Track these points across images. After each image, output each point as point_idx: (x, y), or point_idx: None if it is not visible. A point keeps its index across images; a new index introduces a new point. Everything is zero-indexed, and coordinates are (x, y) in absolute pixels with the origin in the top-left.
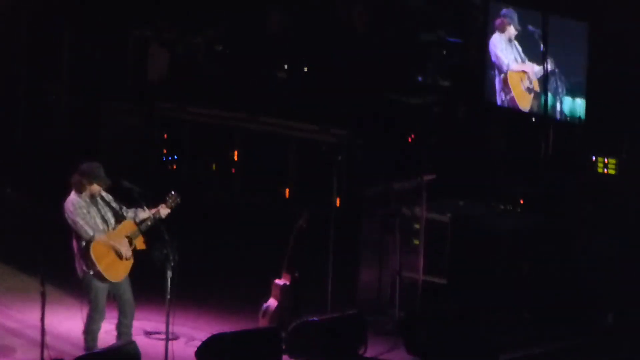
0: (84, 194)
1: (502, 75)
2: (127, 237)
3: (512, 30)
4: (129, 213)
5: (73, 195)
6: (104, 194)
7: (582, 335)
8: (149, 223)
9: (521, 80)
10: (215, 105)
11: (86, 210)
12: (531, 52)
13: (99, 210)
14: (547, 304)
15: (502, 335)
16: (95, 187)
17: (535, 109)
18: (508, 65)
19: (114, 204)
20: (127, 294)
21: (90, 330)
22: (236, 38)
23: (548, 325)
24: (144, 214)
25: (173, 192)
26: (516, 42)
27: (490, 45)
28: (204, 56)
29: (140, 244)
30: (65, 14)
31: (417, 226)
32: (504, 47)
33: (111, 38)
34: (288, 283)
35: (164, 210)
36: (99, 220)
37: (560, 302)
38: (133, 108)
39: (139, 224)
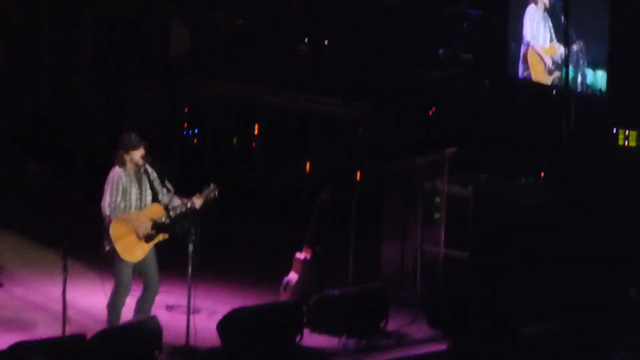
0: (127, 167)
1: (525, 49)
2: (153, 220)
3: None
4: (165, 197)
5: (116, 167)
6: (150, 172)
7: (605, 310)
8: (180, 211)
9: (542, 60)
10: (236, 80)
11: (125, 184)
12: (559, 29)
13: (140, 187)
14: (569, 279)
15: (523, 309)
16: (135, 156)
17: (556, 82)
18: (532, 41)
19: (156, 185)
20: (152, 271)
21: (114, 305)
22: (257, 13)
23: (570, 300)
24: (178, 201)
25: (212, 184)
26: (549, 19)
27: (525, 15)
28: (225, 31)
29: (164, 234)
30: None
31: (438, 200)
32: (536, 21)
33: (133, 15)
34: (309, 257)
35: (198, 201)
36: (134, 197)
37: (583, 277)
38: (155, 84)
39: (169, 210)
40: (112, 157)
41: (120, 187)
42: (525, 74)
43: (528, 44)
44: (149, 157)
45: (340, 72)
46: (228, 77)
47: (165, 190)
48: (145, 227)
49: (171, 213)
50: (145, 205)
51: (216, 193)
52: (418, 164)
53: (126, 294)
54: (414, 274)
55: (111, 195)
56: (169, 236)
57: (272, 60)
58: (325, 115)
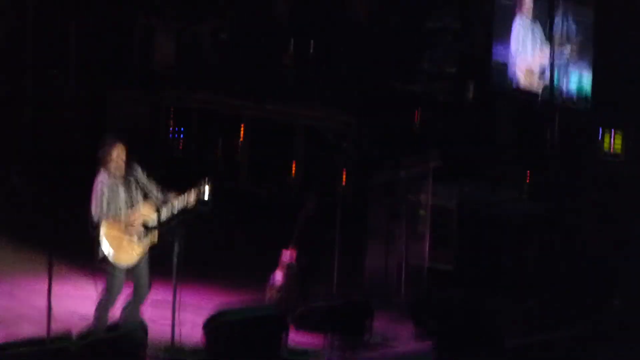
0: (111, 170)
1: (514, 61)
2: (144, 222)
3: (528, 4)
4: (158, 194)
5: (100, 174)
6: (139, 172)
7: (589, 321)
8: (173, 208)
9: (532, 70)
10: (221, 93)
11: (111, 189)
12: (546, 36)
13: (128, 189)
14: (553, 291)
15: (508, 322)
16: (114, 157)
17: (541, 88)
18: (520, 52)
19: (146, 184)
20: (144, 279)
21: (103, 307)
22: (241, 26)
23: (554, 312)
24: (171, 197)
25: (206, 179)
26: (538, 25)
27: (512, 29)
28: (209, 43)
29: (156, 235)
30: (72, 3)
31: (422, 212)
32: (523, 33)
33: (117, 27)
34: (294, 261)
35: (190, 197)
36: (122, 200)
37: (567, 288)
38: (139, 95)
39: (159, 209)
40: (95, 165)
41: (106, 192)
42: (518, 83)
43: (515, 56)
44: (132, 156)
45: (324, 84)
46: (212, 89)
47: (155, 190)
48: (137, 230)
49: (163, 213)
50: (135, 206)
51: (209, 188)
52: (402, 176)
53: (116, 296)
54: (398, 286)
55: (97, 201)
56: (155, 246)
57: (256, 72)
58: (309, 126)
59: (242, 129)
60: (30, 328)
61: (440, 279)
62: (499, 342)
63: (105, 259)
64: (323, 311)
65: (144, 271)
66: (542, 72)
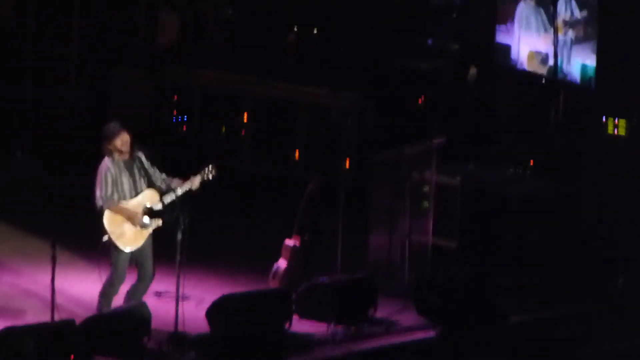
0: (115, 157)
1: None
2: (147, 207)
3: None
4: (161, 180)
5: (105, 159)
6: (143, 159)
7: (592, 299)
8: (177, 194)
9: (534, 57)
10: (225, 70)
11: (114, 175)
12: (550, 19)
13: (132, 175)
14: (557, 268)
15: (511, 299)
16: (118, 144)
17: (545, 72)
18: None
19: (150, 170)
20: (148, 262)
21: (107, 293)
22: (245, 3)
23: (558, 290)
24: (176, 182)
25: (211, 165)
26: (542, 10)
27: (515, 14)
28: (214, 21)
29: (160, 220)
30: None
31: (426, 190)
32: (526, 17)
33: (121, 4)
34: (298, 245)
35: (195, 181)
36: (126, 187)
37: (571, 266)
38: (143, 73)
39: (163, 194)
40: (99, 146)
41: (110, 179)
42: (522, 65)
43: (519, 39)
44: (135, 145)
45: (328, 61)
46: (216, 66)
47: (159, 174)
48: (140, 214)
49: (167, 197)
50: (139, 193)
51: (214, 173)
52: (406, 154)
53: (120, 283)
54: (402, 263)
55: (100, 188)
56: (159, 226)
57: (260, 50)
58: (313, 104)
59: (245, 108)
60: (34, 314)
61: (444, 255)
62: (502, 319)
63: (109, 244)
64: (326, 287)
65: (148, 256)
66: (546, 57)
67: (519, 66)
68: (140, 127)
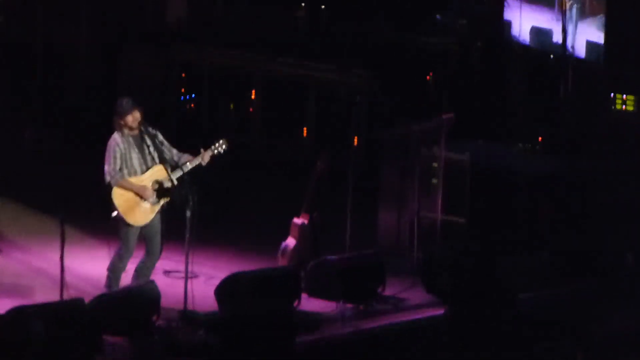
0: (125, 132)
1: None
2: (157, 181)
3: None
4: (172, 155)
5: (114, 134)
6: (156, 136)
7: (601, 275)
8: (186, 168)
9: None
10: (233, 47)
11: (123, 150)
12: None
13: (141, 151)
14: (566, 245)
15: (520, 275)
16: (129, 121)
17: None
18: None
19: (162, 146)
20: (156, 237)
21: (115, 268)
22: None
23: (567, 266)
24: (187, 157)
25: (222, 140)
26: None
27: None
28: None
29: (170, 195)
30: None
31: (435, 166)
32: None
33: None
34: (306, 222)
35: (206, 155)
36: (136, 162)
37: (580, 243)
38: (152, 50)
39: (174, 169)
40: (109, 122)
41: (119, 154)
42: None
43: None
44: (145, 123)
45: (337, 39)
46: (225, 44)
47: (171, 149)
48: (149, 190)
49: (177, 172)
50: (149, 168)
51: (225, 147)
52: (415, 130)
53: (128, 257)
54: (411, 241)
55: (109, 163)
56: (168, 202)
57: (269, 27)
58: (322, 82)
59: (254, 87)
60: (43, 293)
61: (454, 233)
62: (511, 296)
63: (118, 219)
64: (334, 265)
65: (157, 231)
66: (549, 32)
67: (523, 41)
68: (148, 104)
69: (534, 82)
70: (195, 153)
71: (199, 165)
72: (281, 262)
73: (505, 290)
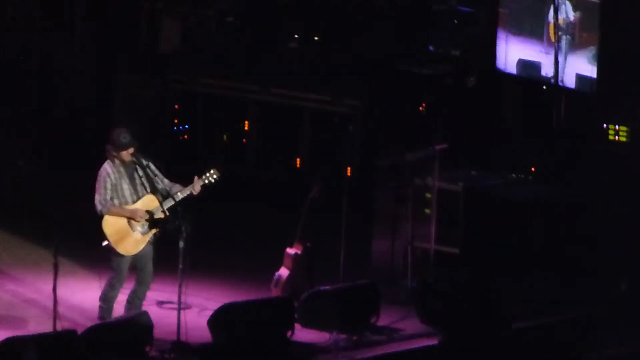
0: (117, 162)
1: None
2: (148, 211)
3: None
4: (163, 185)
5: (105, 164)
6: (148, 166)
7: (596, 304)
8: (177, 198)
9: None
10: (227, 77)
11: (114, 180)
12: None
13: (133, 181)
14: (560, 273)
15: (515, 305)
16: (124, 155)
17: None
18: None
19: (153, 176)
20: (148, 266)
21: (108, 298)
22: (247, 9)
23: (561, 294)
24: (178, 187)
25: (213, 169)
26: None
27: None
28: (216, 28)
29: (161, 225)
30: None
31: (429, 196)
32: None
33: (123, 10)
34: (300, 252)
35: (197, 185)
36: (127, 192)
37: (574, 271)
38: (146, 79)
39: (165, 199)
40: (102, 151)
41: (109, 184)
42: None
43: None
44: (137, 153)
45: (330, 67)
46: (218, 74)
47: (162, 179)
48: (140, 220)
49: (168, 202)
50: (140, 198)
51: (216, 176)
52: (408, 159)
53: (120, 286)
54: (405, 270)
55: (100, 192)
56: (161, 232)
57: (263, 56)
58: (315, 110)
59: (248, 113)
60: (36, 324)
61: (447, 262)
62: (506, 326)
63: (108, 248)
64: (329, 295)
65: (149, 261)
66: (538, 65)
67: (516, 71)
68: (142, 133)
69: (526, 112)
70: (188, 183)
71: (191, 195)
72: (274, 292)
73: (500, 318)
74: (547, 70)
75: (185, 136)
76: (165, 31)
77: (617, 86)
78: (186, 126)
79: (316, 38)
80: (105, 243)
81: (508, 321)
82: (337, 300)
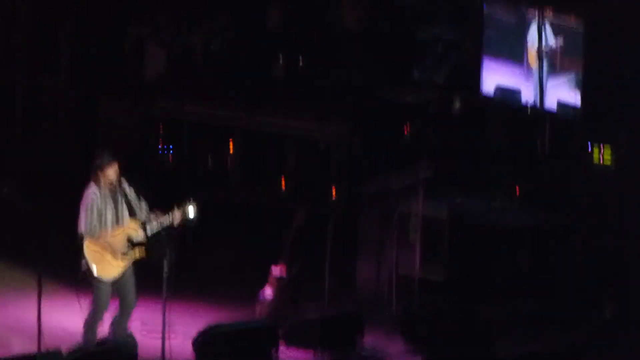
0: (102, 185)
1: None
2: (129, 238)
3: None
4: (142, 213)
5: (91, 188)
6: (128, 189)
7: (580, 331)
8: (157, 227)
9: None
10: (212, 104)
11: (100, 204)
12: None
13: (115, 205)
14: (545, 300)
15: (499, 332)
16: (109, 175)
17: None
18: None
19: (134, 202)
20: (131, 294)
21: (91, 324)
22: (232, 37)
23: (546, 321)
24: (157, 217)
25: (190, 201)
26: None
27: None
28: (201, 54)
29: (140, 251)
30: (63, 12)
31: (414, 222)
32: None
33: (108, 37)
34: (284, 275)
35: (176, 215)
36: (110, 216)
37: (559, 297)
38: (130, 106)
39: (145, 225)
40: (86, 175)
41: (95, 208)
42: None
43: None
44: (123, 176)
45: (315, 94)
46: (203, 99)
47: (142, 205)
48: (121, 245)
49: (148, 229)
50: (122, 223)
51: (194, 211)
52: (393, 186)
53: (103, 312)
54: (389, 295)
55: (86, 216)
56: (145, 255)
57: (247, 83)
58: (300, 136)
59: (232, 140)
60: (20, 345)
61: (432, 289)
62: (491, 353)
63: (88, 272)
64: (314, 324)
65: (130, 285)
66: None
67: (498, 96)
68: (126, 158)
69: (512, 136)
70: (166, 210)
71: (172, 225)
72: (259, 311)
73: (484, 344)
74: (527, 97)
75: (170, 159)
76: (150, 57)
77: (601, 108)
78: (170, 152)
79: (300, 65)
80: (84, 267)
81: (493, 348)
82: (322, 329)
